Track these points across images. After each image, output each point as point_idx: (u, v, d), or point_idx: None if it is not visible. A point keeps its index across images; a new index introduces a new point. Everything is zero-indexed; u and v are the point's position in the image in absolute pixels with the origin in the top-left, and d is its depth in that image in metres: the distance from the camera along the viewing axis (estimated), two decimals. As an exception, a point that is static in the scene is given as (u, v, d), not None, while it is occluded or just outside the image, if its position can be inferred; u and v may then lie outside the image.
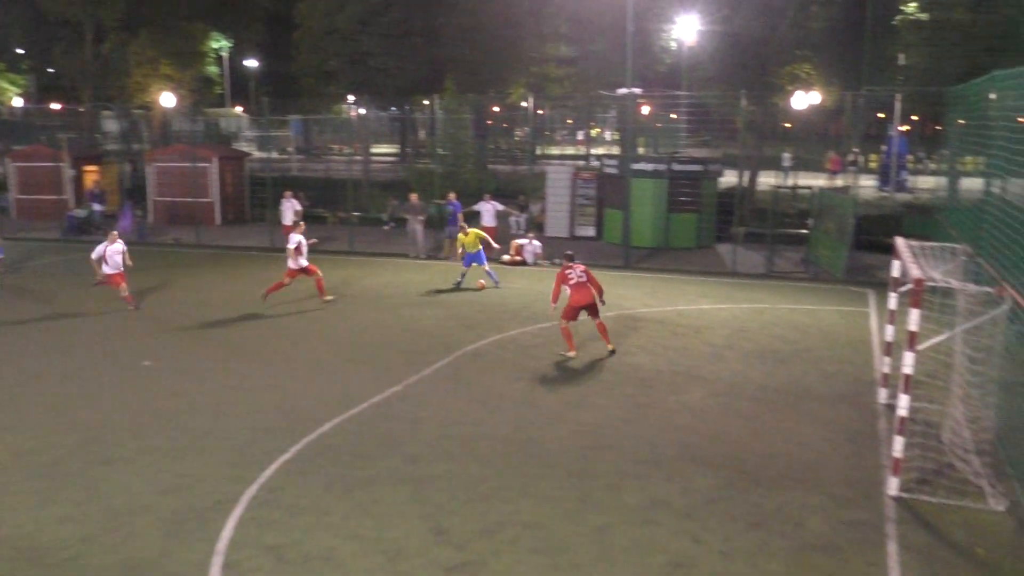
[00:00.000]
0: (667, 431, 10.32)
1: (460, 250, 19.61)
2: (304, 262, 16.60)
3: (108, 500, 8.32)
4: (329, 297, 17.12)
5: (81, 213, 28.39)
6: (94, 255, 16.28)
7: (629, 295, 17.81)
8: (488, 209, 22.77)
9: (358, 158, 35.87)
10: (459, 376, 12.49)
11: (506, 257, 21.99)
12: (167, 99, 36.11)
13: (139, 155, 34.26)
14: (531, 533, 7.74)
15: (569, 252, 14.19)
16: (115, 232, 16.77)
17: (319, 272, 17.00)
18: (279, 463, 9.25)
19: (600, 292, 13.52)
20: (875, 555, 7.41)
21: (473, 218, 24.03)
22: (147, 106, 39.88)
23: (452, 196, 22.65)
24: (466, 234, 18.73)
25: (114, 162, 32.74)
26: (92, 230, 27.12)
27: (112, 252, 16.29)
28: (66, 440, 9.85)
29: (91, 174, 31.32)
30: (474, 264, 18.64)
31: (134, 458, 9.33)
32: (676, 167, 23.96)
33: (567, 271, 13.43)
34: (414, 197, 23.33)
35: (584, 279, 13.33)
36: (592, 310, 13.39)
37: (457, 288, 18.60)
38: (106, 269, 16.28)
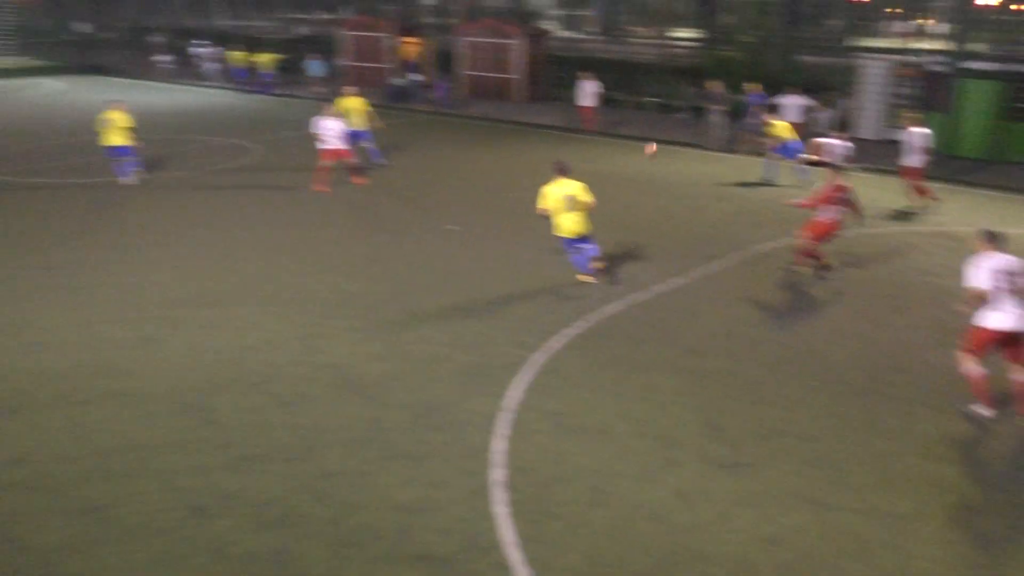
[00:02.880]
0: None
1: (768, 141, 18.61)
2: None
3: (411, 346, 9.26)
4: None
5: (401, 81, 30.57)
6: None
7: (944, 209, 16.14)
8: (793, 103, 21.41)
9: (657, 42, 34.98)
10: (745, 275, 12.18)
11: (803, 156, 20.69)
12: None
13: (449, 29, 35.87)
14: (807, 446, 7.55)
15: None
16: None
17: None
18: (562, 335, 9.71)
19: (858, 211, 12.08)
20: None
21: (774, 112, 22.74)
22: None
23: (755, 88, 21.51)
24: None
25: (429, 35, 34.60)
26: (409, 98, 29.18)
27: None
28: (380, 288, 11.02)
29: (409, 45, 33.37)
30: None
31: (435, 312, 10.24)
32: (1022, 68, 20.88)
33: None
34: (714, 85, 22.44)
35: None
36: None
37: (766, 184, 17.96)
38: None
